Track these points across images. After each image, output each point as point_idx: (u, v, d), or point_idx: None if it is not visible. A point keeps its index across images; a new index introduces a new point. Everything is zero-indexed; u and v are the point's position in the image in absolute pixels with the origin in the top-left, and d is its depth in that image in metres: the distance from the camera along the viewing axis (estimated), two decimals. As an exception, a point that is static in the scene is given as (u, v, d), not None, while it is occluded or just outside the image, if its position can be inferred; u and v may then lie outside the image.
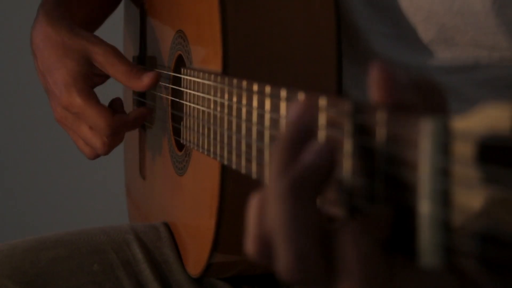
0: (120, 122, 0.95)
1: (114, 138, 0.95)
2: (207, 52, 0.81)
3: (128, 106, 1.08)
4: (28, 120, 2.10)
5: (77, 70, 0.94)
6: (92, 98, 0.93)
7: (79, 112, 0.93)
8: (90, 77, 0.95)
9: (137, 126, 0.99)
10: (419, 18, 0.80)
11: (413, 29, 0.80)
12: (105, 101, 0.98)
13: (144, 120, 0.99)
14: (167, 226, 0.97)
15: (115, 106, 0.97)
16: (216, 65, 0.77)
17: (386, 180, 0.43)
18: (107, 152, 0.96)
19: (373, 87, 0.43)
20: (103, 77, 0.98)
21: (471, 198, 0.37)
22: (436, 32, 0.79)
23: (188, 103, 0.83)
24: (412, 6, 0.80)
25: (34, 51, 0.98)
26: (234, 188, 0.78)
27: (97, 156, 0.98)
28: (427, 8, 0.79)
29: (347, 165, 0.46)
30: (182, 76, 0.86)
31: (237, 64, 0.76)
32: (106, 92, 0.99)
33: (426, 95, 0.43)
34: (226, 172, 0.77)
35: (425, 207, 0.39)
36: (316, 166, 0.44)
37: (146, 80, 0.94)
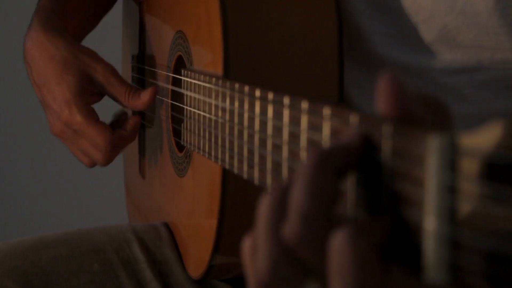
0: (119, 138, 0.96)
1: (114, 153, 0.96)
2: (207, 54, 0.80)
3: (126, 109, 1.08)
4: (28, 120, 2.09)
5: (78, 86, 0.93)
6: (92, 116, 0.93)
7: (79, 129, 0.93)
8: (89, 94, 0.95)
9: (135, 136, 1.00)
10: (420, 18, 0.79)
11: (414, 29, 0.80)
12: (104, 106, 0.98)
13: (138, 127, 1.00)
14: (167, 226, 0.97)
15: (119, 119, 0.98)
16: (217, 67, 0.76)
17: (391, 194, 0.43)
18: (106, 164, 0.97)
19: (381, 98, 0.42)
20: (100, 96, 0.97)
21: (478, 215, 0.37)
22: (438, 32, 0.79)
23: (188, 106, 0.83)
24: (413, 6, 0.79)
25: (29, 62, 0.97)
26: (235, 189, 0.78)
27: (95, 165, 0.99)
28: (429, 8, 0.78)
29: (351, 177, 0.46)
30: (182, 77, 0.85)
31: (238, 66, 0.76)
32: (104, 101, 0.98)
33: (432, 110, 0.43)
34: (227, 173, 0.77)
35: (431, 223, 0.39)
36: (347, 146, 0.44)
37: (145, 97, 0.94)
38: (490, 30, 0.76)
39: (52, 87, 0.94)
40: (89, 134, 0.93)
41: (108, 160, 0.96)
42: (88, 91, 0.94)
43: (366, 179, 0.44)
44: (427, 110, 0.42)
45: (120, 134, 0.96)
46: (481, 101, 0.81)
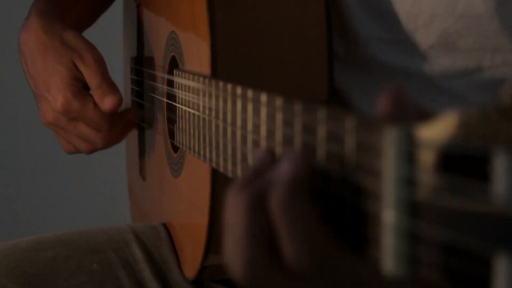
0: (119, 115, 0.97)
1: (114, 131, 0.97)
2: (196, 54, 0.80)
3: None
4: (28, 120, 2.10)
5: (69, 76, 0.94)
6: (88, 99, 0.94)
7: (78, 115, 0.94)
8: (82, 79, 0.95)
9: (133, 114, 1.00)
10: (420, 23, 0.79)
11: (413, 34, 0.79)
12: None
13: (136, 117, 1.00)
14: (166, 226, 0.98)
15: None
16: (205, 67, 0.77)
17: (353, 187, 0.43)
18: (106, 146, 0.97)
19: (381, 109, 0.43)
20: None
21: (435, 207, 0.37)
22: (437, 36, 0.78)
23: (180, 106, 0.83)
24: (413, 11, 0.78)
25: (24, 52, 0.98)
26: (226, 189, 0.78)
27: (95, 150, 0.99)
28: (429, 12, 0.78)
29: (322, 171, 0.46)
30: (174, 78, 0.86)
31: (226, 66, 0.76)
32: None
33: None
34: (217, 173, 0.77)
35: (389, 216, 0.39)
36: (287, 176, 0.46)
37: (107, 104, 0.94)
38: (490, 33, 0.76)
39: (46, 78, 0.95)
40: (90, 118, 0.94)
41: (108, 140, 0.96)
42: (80, 78, 0.95)
43: (330, 173, 0.45)
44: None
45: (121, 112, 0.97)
46: (482, 103, 0.80)
